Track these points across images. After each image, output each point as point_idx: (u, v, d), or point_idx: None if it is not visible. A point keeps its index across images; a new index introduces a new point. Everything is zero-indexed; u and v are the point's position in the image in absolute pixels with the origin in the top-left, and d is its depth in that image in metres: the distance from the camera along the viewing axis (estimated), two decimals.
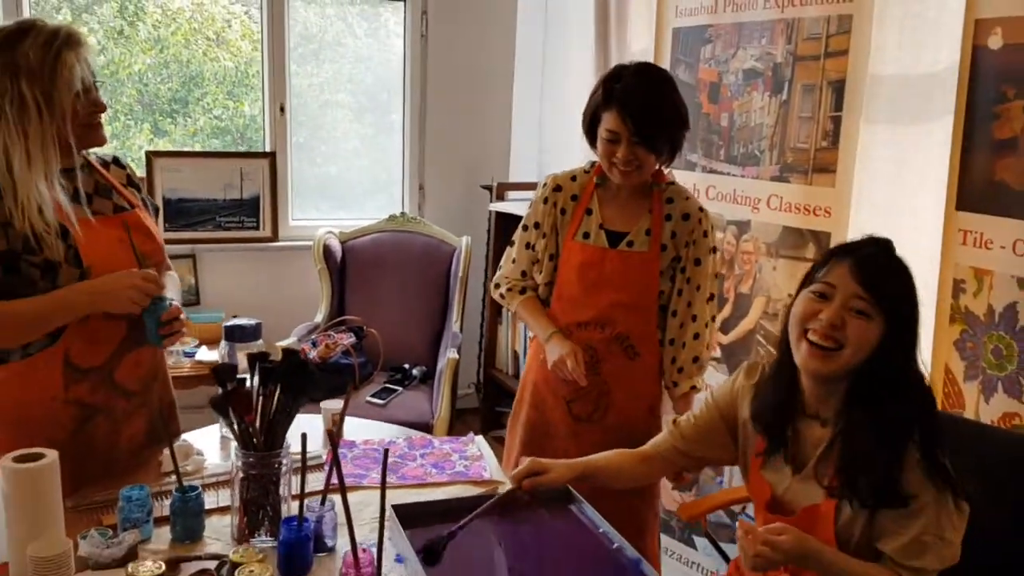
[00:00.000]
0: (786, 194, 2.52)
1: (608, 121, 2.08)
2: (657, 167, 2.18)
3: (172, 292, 1.98)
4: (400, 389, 3.66)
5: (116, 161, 2.01)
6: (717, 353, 2.78)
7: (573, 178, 2.27)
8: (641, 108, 2.04)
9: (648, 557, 1.92)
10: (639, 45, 3.33)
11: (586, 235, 2.22)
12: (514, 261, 2.37)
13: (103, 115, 1.85)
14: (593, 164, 2.26)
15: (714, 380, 2.60)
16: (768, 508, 1.65)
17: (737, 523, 1.50)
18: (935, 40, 2.16)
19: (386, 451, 1.41)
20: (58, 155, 1.77)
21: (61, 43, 1.73)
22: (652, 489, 2.33)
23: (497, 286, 2.39)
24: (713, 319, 2.27)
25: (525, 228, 2.33)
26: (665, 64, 2.92)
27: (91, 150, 1.91)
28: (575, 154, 3.08)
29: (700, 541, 2.91)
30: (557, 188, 2.27)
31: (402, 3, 4.32)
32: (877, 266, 1.53)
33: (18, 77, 1.70)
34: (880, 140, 2.30)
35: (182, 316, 1.89)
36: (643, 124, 2.04)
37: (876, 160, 2.31)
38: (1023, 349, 2.00)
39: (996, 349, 2.04)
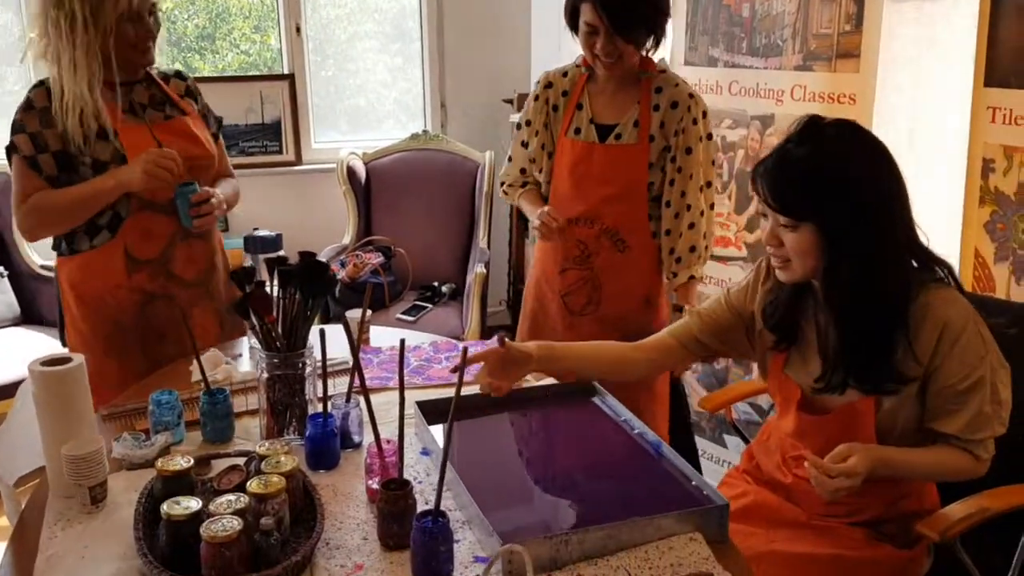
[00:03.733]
0: (810, 83, 2.45)
1: (586, 14, 2.07)
2: (645, 54, 2.18)
3: (225, 189, 2.21)
4: (430, 306, 3.68)
5: (178, 74, 2.23)
6: (742, 252, 2.75)
7: (564, 74, 2.30)
8: (615, 1, 2.02)
9: None
10: None
11: (577, 131, 2.24)
12: (511, 160, 2.42)
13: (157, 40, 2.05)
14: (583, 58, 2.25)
15: (737, 278, 2.58)
16: (801, 408, 1.65)
17: (806, 464, 1.48)
18: None
19: (402, 340, 1.42)
20: (101, 68, 1.96)
21: None
22: (659, 387, 2.37)
23: (501, 184, 2.46)
24: (711, 207, 2.27)
25: (519, 127, 2.37)
26: None
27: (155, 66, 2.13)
28: None
29: (731, 440, 2.93)
30: (549, 85, 2.30)
31: None
32: (783, 177, 1.49)
33: None
34: (905, 19, 2.23)
35: (214, 200, 2.08)
36: (619, 17, 2.03)
37: (901, 40, 2.24)
38: None
39: None
